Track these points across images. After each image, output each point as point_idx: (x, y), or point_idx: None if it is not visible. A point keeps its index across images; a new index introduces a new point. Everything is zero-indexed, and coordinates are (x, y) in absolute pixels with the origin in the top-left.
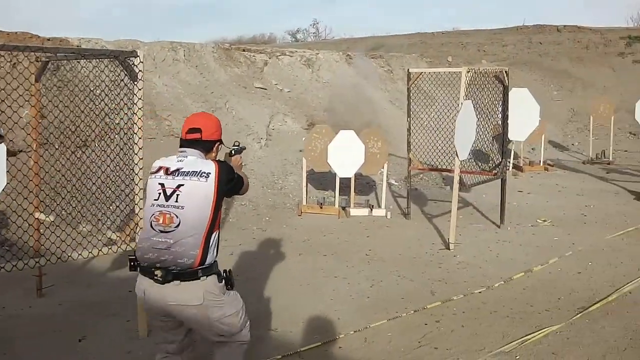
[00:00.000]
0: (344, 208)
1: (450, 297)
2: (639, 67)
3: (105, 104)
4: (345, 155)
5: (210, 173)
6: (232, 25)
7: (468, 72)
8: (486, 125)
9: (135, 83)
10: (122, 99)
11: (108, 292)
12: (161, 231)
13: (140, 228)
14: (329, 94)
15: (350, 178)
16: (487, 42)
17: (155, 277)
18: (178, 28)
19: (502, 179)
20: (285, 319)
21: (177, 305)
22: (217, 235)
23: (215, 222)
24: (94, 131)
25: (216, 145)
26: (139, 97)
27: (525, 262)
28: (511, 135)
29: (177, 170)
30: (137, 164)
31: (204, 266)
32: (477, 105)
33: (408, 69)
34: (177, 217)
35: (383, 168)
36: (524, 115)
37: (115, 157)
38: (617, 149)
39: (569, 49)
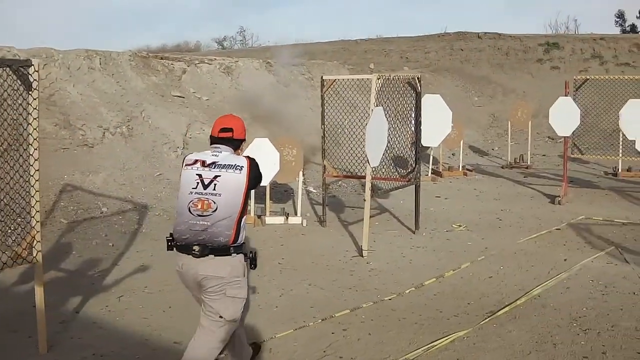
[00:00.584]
0: (259, 216)
1: (359, 305)
2: (556, 73)
3: None
4: (260, 163)
5: (243, 167)
6: (158, 33)
7: (378, 78)
8: (405, 132)
9: (30, 93)
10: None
11: (10, 308)
12: (199, 215)
13: (38, 242)
14: (248, 101)
15: (265, 186)
16: (409, 50)
17: (193, 252)
18: (100, 36)
19: (415, 185)
20: (191, 332)
21: (206, 277)
22: (245, 219)
23: (245, 208)
24: None
25: (242, 143)
26: (34, 107)
27: (437, 267)
28: (424, 141)
29: (214, 163)
30: (32, 176)
31: (235, 244)
32: (396, 112)
33: (322, 76)
34: (214, 203)
35: (299, 176)
36: (437, 121)
37: (9, 170)
38: (535, 153)
39: (489, 55)
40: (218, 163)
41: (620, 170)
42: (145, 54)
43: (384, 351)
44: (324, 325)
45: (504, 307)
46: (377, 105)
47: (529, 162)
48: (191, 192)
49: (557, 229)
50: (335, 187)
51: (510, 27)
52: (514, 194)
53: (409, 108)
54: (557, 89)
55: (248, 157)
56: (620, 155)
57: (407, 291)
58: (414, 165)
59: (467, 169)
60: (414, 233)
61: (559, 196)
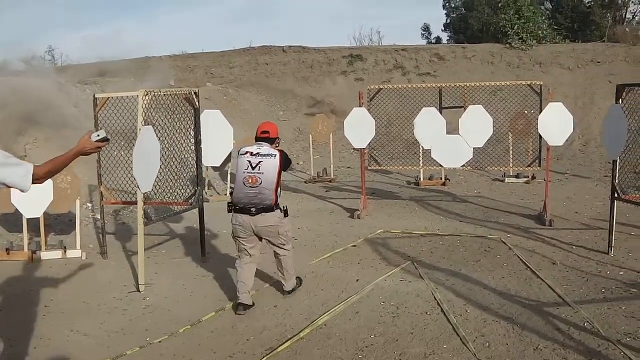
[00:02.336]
0: (34, 252)
1: (123, 352)
2: (360, 84)
3: None
4: (31, 192)
5: (276, 155)
6: None
7: (145, 95)
8: (187, 151)
9: None
10: None
11: None
12: (250, 187)
13: None
14: (34, 122)
15: (39, 218)
16: (214, 65)
17: (251, 212)
18: None
19: (199, 208)
20: None
21: (263, 226)
22: (280, 188)
23: (279, 182)
24: None
25: (276, 140)
26: None
27: (220, 299)
28: (206, 161)
29: (258, 153)
30: None
31: (276, 204)
32: (175, 131)
33: (94, 94)
34: (260, 178)
35: (76, 204)
36: (218, 138)
37: None
38: (340, 165)
39: (294, 69)
40: (260, 153)
41: (422, 179)
42: None
43: None
44: None
45: (285, 342)
46: (146, 124)
47: (332, 176)
48: (244, 172)
49: (352, 246)
50: (126, 212)
51: (315, 40)
52: (314, 209)
53: (188, 126)
54: None
55: (280, 149)
56: (421, 164)
57: (182, 330)
58: (196, 187)
59: None
60: (202, 260)
61: (358, 210)
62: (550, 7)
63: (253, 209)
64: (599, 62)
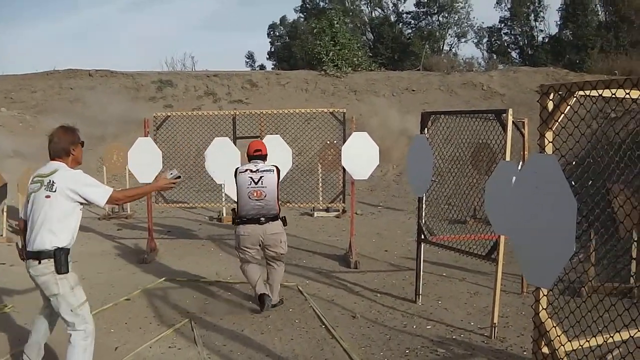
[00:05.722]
0: None
1: None
2: (169, 111)
3: None
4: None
5: (274, 170)
6: None
7: None
8: None
9: None
10: None
11: None
12: (257, 199)
13: None
14: None
15: None
16: (15, 89)
17: (261, 221)
18: None
19: None
20: None
21: (271, 234)
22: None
23: (278, 193)
24: None
25: (266, 156)
26: None
27: None
28: None
29: (258, 169)
30: None
31: (279, 213)
32: None
33: None
34: (264, 191)
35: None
36: None
37: None
38: (142, 199)
39: (100, 93)
40: (260, 169)
41: (224, 215)
42: None
43: None
44: None
45: None
46: None
47: (129, 211)
48: (248, 187)
49: (126, 299)
50: None
51: (127, 64)
52: (98, 252)
53: None
54: None
55: (275, 165)
56: (223, 200)
57: None
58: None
59: None
60: None
61: (145, 253)
62: (372, 37)
63: (262, 219)
64: (414, 90)
